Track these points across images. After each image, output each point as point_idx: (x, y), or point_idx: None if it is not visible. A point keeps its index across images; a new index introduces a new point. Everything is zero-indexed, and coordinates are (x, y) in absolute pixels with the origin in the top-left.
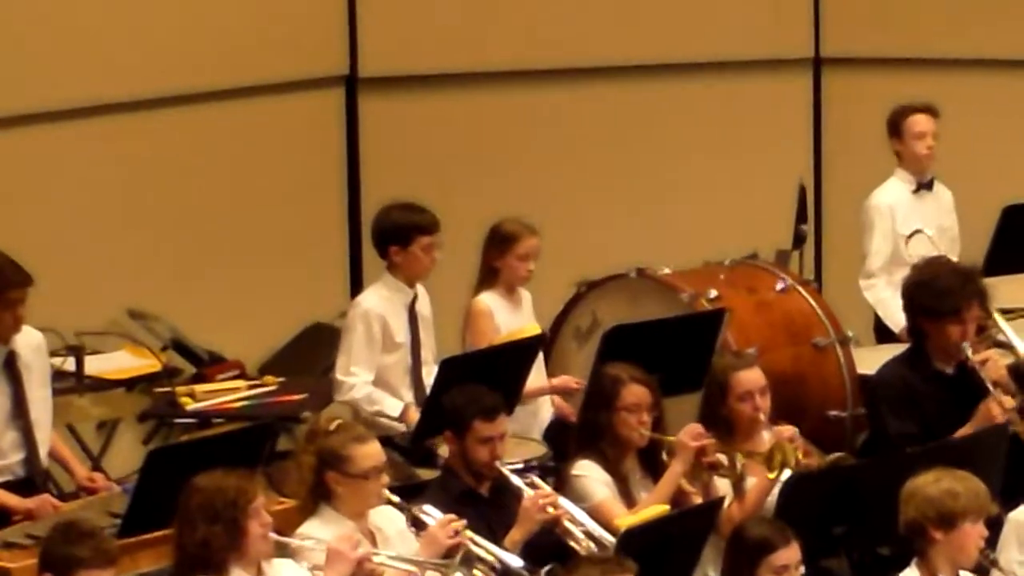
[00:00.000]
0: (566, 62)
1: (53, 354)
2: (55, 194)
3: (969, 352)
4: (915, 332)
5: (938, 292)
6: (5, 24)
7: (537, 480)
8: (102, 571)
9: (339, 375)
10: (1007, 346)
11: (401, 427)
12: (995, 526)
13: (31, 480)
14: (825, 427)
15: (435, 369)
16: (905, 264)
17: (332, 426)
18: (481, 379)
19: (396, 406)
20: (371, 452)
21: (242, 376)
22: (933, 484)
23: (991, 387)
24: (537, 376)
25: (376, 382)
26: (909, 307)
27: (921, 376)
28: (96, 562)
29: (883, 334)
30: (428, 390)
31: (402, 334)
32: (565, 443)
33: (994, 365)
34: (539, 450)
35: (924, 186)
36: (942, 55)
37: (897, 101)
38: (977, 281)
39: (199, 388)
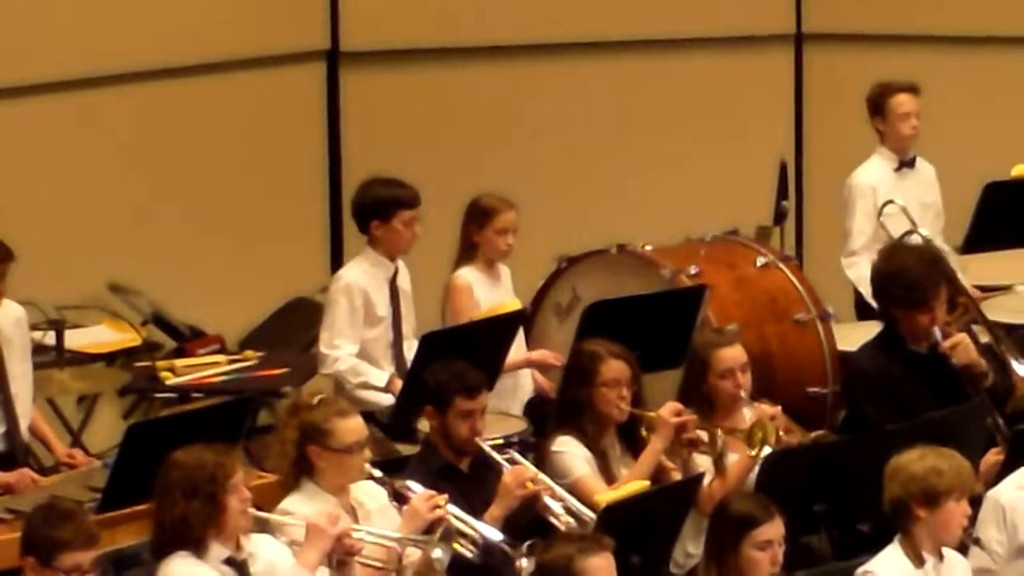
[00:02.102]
0: (548, 37)
1: (33, 328)
2: (35, 168)
3: (939, 337)
4: (886, 317)
5: (906, 284)
6: None
7: (517, 456)
8: (85, 552)
9: (323, 348)
10: (980, 322)
11: (385, 398)
12: (976, 503)
13: (11, 454)
14: (805, 403)
15: (415, 344)
16: (887, 242)
17: (314, 400)
18: (461, 354)
19: (381, 376)
20: (353, 426)
21: (222, 351)
22: (917, 462)
23: (961, 371)
24: (517, 352)
25: (358, 356)
26: (878, 295)
27: (895, 358)
28: (79, 543)
29: (864, 311)
30: (409, 365)
31: (383, 308)
32: (545, 419)
33: (964, 349)
34: (519, 425)
35: (906, 164)
36: (924, 31)
37: (879, 77)
38: (943, 265)
39: (179, 362)
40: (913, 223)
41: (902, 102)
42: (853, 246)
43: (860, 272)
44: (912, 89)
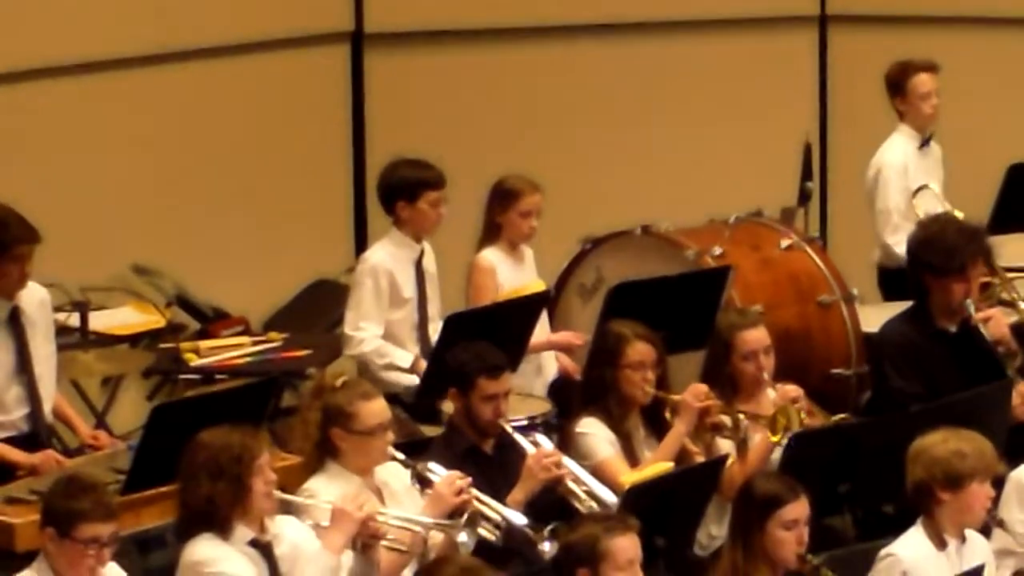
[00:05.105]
0: (572, 19)
1: (58, 309)
2: (61, 150)
3: (972, 310)
4: (918, 289)
5: (944, 250)
6: None
7: (541, 439)
8: (103, 524)
9: (348, 330)
10: (1010, 304)
11: (410, 379)
12: (999, 484)
13: (35, 435)
14: (829, 385)
15: (441, 325)
16: (915, 218)
17: (338, 382)
18: (485, 336)
19: (406, 357)
20: (377, 409)
21: (246, 332)
22: (940, 444)
23: (993, 345)
24: (541, 333)
25: (384, 337)
26: (913, 264)
27: (924, 334)
28: (97, 515)
29: (890, 289)
30: (434, 346)
31: (409, 289)
32: (569, 400)
33: (996, 323)
34: (544, 407)
35: (924, 143)
36: (948, 13)
37: (903, 58)
38: (983, 239)
39: (203, 344)
40: (948, 207)
41: (923, 81)
42: (896, 221)
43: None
44: (932, 68)
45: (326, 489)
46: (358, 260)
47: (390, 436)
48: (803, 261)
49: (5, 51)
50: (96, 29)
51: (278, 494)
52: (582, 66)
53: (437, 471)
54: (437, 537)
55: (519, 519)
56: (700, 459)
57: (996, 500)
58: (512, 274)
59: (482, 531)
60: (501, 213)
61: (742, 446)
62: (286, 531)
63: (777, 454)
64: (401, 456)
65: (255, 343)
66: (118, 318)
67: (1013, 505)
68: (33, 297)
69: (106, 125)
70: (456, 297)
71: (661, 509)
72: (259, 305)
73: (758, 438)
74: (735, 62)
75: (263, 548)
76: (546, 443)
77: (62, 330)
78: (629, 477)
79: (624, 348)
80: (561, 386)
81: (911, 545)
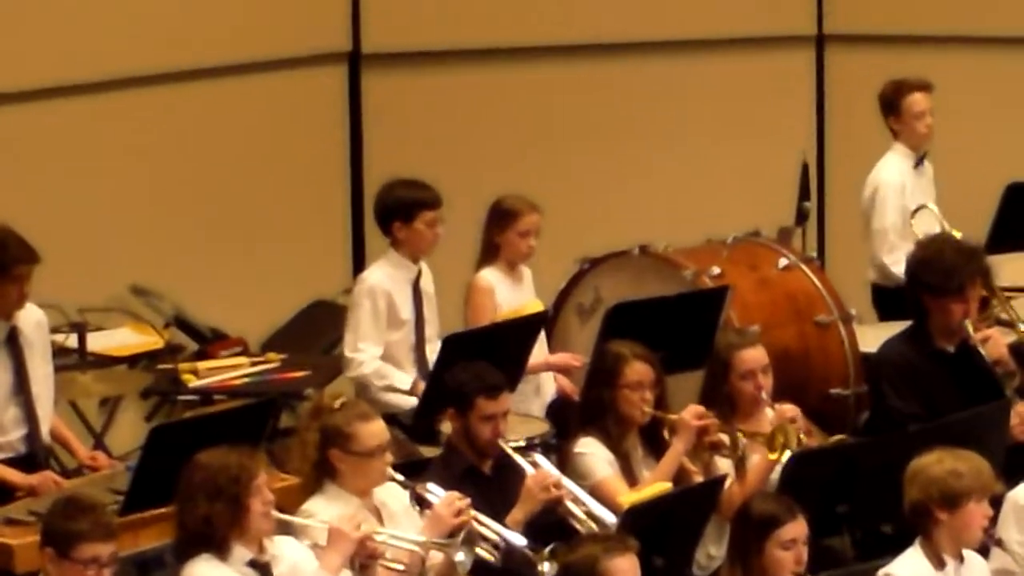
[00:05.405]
0: (569, 39)
1: (55, 330)
2: (59, 170)
3: (971, 330)
4: (917, 310)
5: (942, 270)
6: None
7: (540, 459)
8: (103, 544)
9: (347, 352)
10: (1009, 324)
11: (409, 401)
12: (997, 503)
13: (33, 456)
14: (827, 405)
15: (439, 346)
16: (913, 237)
17: (336, 403)
18: (484, 356)
19: (406, 379)
20: (375, 430)
21: (245, 353)
22: (936, 464)
23: (992, 365)
24: (539, 353)
25: (382, 359)
26: (912, 284)
27: (923, 354)
28: (96, 535)
29: (886, 310)
30: (431, 367)
31: (407, 310)
32: (567, 420)
33: (995, 343)
34: (542, 427)
35: (919, 162)
36: (945, 32)
37: (897, 77)
38: (981, 259)
39: (202, 365)
40: (946, 227)
41: (917, 101)
42: (894, 241)
43: None
44: (926, 87)
45: (325, 510)
46: (355, 281)
47: (389, 457)
48: (801, 281)
49: (3, 72)
50: (95, 50)
51: (276, 514)
52: (579, 86)
53: (436, 492)
54: (436, 557)
55: (518, 540)
56: (698, 479)
57: (994, 520)
58: (510, 294)
59: (481, 552)
60: (499, 233)
61: (740, 465)
62: (285, 551)
63: (776, 474)
64: (400, 477)
65: (253, 364)
66: (116, 339)
67: (1011, 525)
68: (30, 318)
69: (104, 146)
70: (454, 317)
71: (660, 529)
72: (257, 326)
73: (756, 458)
74: (732, 82)
75: (261, 568)
76: (545, 463)
77: (60, 351)
78: (628, 497)
79: (622, 368)
80: (559, 406)
81: (909, 565)
